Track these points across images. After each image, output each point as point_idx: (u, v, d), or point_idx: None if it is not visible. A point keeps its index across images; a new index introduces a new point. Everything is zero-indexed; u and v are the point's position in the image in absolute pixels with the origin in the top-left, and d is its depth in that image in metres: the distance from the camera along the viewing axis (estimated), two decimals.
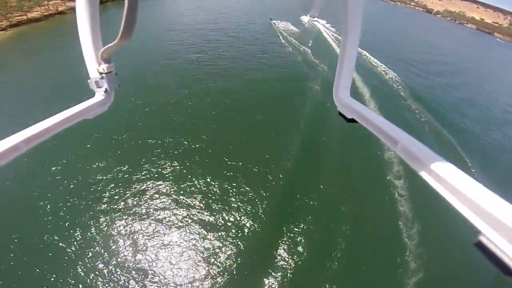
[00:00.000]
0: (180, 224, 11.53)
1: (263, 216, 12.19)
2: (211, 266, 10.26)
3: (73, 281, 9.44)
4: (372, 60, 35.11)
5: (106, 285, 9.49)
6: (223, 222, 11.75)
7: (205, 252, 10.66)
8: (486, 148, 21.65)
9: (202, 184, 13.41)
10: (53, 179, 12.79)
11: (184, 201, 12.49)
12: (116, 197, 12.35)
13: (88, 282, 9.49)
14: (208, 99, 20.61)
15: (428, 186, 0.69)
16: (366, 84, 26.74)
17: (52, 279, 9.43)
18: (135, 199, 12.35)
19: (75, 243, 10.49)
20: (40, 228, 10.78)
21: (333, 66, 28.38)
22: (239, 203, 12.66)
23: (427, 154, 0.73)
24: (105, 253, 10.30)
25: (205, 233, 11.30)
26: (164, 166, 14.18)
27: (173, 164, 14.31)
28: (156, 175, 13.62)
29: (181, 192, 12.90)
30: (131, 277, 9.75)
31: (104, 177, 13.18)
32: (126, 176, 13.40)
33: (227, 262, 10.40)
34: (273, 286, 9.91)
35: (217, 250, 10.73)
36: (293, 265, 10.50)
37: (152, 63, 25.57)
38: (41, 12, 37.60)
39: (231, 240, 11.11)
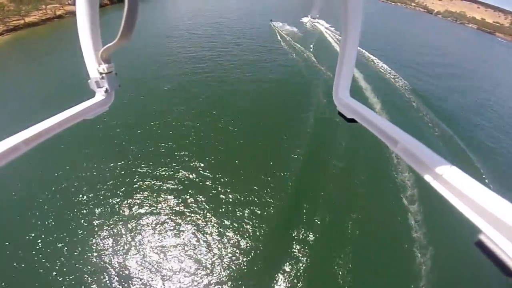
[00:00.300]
0: (182, 228, 11.55)
1: (268, 221, 12.18)
2: (216, 269, 10.29)
3: (74, 281, 9.55)
4: (380, 65, 34.86)
5: (108, 284, 9.59)
6: (228, 227, 11.75)
7: (210, 255, 10.70)
8: (498, 154, 21.28)
9: (204, 186, 13.47)
10: (53, 179, 12.94)
11: (186, 203, 12.53)
12: (116, 197, 12.46)
13: (89, 282, 9.60)
14: (209, 103, 20.73)
15: (434, 188, 0.70)
16: (369, 85, 26.87)
17: (51, 279, 9.51)
18: (135, 199, 12.46)
19: (75, 242, 10.61)
20: (40, 228, 10.90)
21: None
22: (245, 204, 12.69)
23: (427, 154, 0.74)
24: (106, 253, 10.41)
25: (209, 235, 11.33)
26: (164, 167, 14.27)
27: (175, 167, 14.40)
28: (157, 176, 13.74)
29: (183, 193, 12.97)
30: (131, 277, 9.83)
31: (104, 177, 13.33)
32: (126, 175, 13.54)
33: (233, 265, 10.42)
34: None
35: (222, 255, 10.74)
36: (300, 271, 10.47)
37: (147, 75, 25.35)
38: (38, 16, 37.97)
39: (239, 243, 11.15)
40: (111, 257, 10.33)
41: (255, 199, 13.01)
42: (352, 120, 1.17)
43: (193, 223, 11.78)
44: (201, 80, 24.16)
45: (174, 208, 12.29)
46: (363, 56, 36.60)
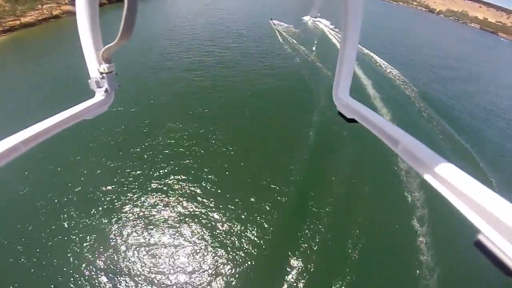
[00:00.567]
0: (182, 228, 11.66)
1: (272, 225, 12.25)
2: (220, 272, 10.38)
3: (75, 281, 9.67)
4: (383, 64, 34.91)
5: (110, 284, 9.73)
6: (232, 230, 11.83)
7: (214, 258, 10.79)
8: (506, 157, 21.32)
9: (206, 188, 13.52)
10: (53, 179, 13.12)
11: (188, 205, 12.63)
12: (116, 197, 12.62)
13: (91, 282, 9.73)
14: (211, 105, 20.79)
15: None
16: (370, 81, 26.95)
17: (47, 278, 9.63)
18: (135, 199, 12.60)
19: (76, 243, 10.75)
20: (40, 228, 11.08)
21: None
22: (247, 209, 12.72)
23: (428, 155, 0.74)
24: (106, 253, 10.56)
25: (213, 238, 11.41)
26: (164, 168, 14.40)
27: (175, 167, 14.54)
28: (157, 177, 13.86)
29: (184, 195, 13.05)
30: (131, 277, 9.96)
31: (103, 177, 13.47)
32: (126, 176, 13.67)
33: (238, 269, 10.49)
34: None
35: (227, 258, 10.82)
36: (305, 274, 10.53)
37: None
38: (35, 16, 38.08)
39: (242, 246, 11.21)
40: (111, 257, 10.45)
41: (257, 205, 13.05)
42: (352, 120, 1.18)
43: (193, 223, 11.86)
44: (200, 83, 24.27)
45: (175, 208, 12.41)
46: (363, 54, 36.58)
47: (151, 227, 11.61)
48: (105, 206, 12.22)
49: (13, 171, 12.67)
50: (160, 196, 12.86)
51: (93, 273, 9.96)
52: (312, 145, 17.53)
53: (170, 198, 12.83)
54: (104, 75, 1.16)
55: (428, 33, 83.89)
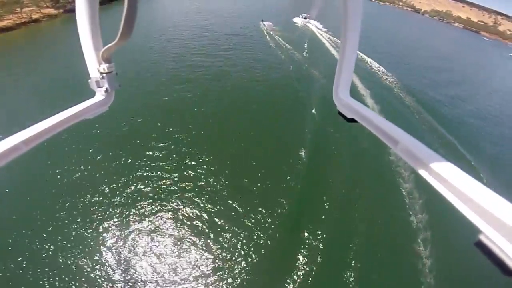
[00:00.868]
0: (182, 229, 11.68)
1: (273, 228, 12.30)
2: (220, 274, 10.39)
3: (76, 281, 9.67)
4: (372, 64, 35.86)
5: (110, 284, 9.78)
6: (232, 233, 11.82)
7: (215, 258, 10.83)
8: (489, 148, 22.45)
9: (206, 189, 13.57)
10: (52, 179, 13.06)
11: (188, 205, 12.67)
12: (116, 197, 12.63)
13: (91, 282, 9.75)
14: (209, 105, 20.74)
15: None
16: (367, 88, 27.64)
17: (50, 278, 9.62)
18: (135, 199, 12.64)
19: (76, 243, 10.77)
20: (40, 228, 11.05)
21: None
22: (252, 206, 12.89)
23: (427, 154, 0.76)
24: (106, 253, 10.60)
25: (215, 240, 11.42)
26: (165, 167, 14.51)
27: (176, 167, 14.64)
28: (158, 178, 13.93)
29: (184, 195, 13.12)
30: (131, 277, 10.02)
31: (103, 177, 13.47)
32: (126, 176, 13.70)
33: (240, 272, 10.50)
34: None
35: (229, 262, 10.82)
36: (307, 277, 10.59)
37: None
38: (13, 20, 36.95)
39: (244, 248, 11.28)
40: (110, 257, 10.51)
41: (259, 208, 13.07)
42: (352, 120, 1.20)
43: (193, 224, 11.90)
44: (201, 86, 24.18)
45: (175, 209, 12.44)
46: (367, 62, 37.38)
47: (151, 227, 11.67)
48: (105, 206, 12.22)
49: (14, 171, 12.37)
50: (160, 197, 12.87)
51: (93, 273, 9.99)
52: (308, 144, 17.99)
53: (170, 200, 12.81)
54: (104, 75, 1.17)
55: (416, 33, 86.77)
